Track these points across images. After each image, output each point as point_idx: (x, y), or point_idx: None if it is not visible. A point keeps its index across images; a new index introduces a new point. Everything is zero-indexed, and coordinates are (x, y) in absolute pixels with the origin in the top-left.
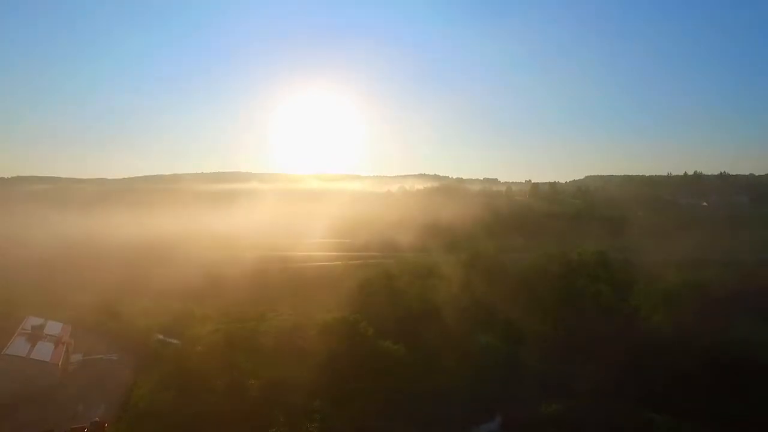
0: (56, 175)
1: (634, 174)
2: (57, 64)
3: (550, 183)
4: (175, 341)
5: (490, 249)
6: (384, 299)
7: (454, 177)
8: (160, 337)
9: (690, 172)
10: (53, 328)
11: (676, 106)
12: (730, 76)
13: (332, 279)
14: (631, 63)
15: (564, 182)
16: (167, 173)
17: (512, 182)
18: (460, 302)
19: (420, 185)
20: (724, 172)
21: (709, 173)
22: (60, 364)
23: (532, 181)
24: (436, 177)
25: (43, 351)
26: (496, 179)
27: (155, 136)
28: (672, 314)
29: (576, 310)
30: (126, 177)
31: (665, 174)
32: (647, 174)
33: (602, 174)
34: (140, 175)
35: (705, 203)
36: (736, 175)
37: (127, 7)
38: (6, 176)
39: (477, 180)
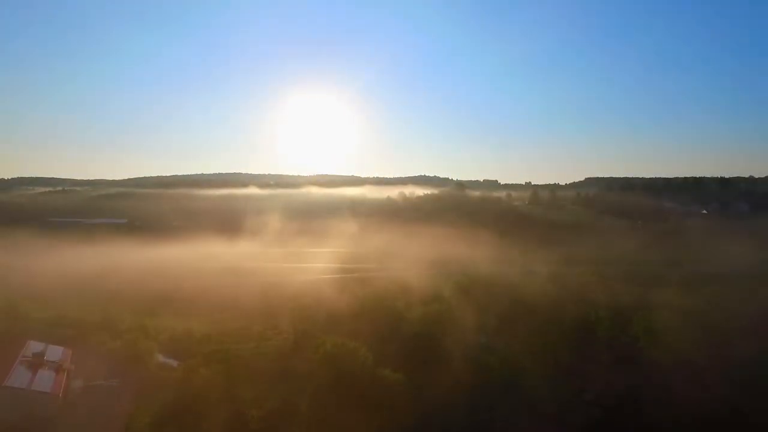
0: (56, 177)
1: (634, 176)
2: (57, 65)
3: (550, 185)
4: (174, 363)
5: (491, 268)
6: (383, 321)
7: (454, 179)
8: (161, 358)
9: (690, 173)
10: (54, 353)
11: (676, 107)
12: (730, 77)
13: (333, 295)
14: (631, 65)
15: (564, 184)
16: (167, 174)
17: (512, 184)
18: (461, 326)
19: (420, 189)
20: (724, 177)
21: (709, 175)
22: (61, 393)
23: (532, 183)
24: (436, 179)
25: (44, 381)
26: (496, 181)
27: (155, 138)
28: (672, 344)
29: (576, 338)
30: (126, 178)
31: (665, 177)
32: (647, 176)
33: (602, 176)
34: (140, 176)
35: (705, 211)
36: (736, 178)
37: (128, 9)
38: (6, 177)
39: (477, 182)
